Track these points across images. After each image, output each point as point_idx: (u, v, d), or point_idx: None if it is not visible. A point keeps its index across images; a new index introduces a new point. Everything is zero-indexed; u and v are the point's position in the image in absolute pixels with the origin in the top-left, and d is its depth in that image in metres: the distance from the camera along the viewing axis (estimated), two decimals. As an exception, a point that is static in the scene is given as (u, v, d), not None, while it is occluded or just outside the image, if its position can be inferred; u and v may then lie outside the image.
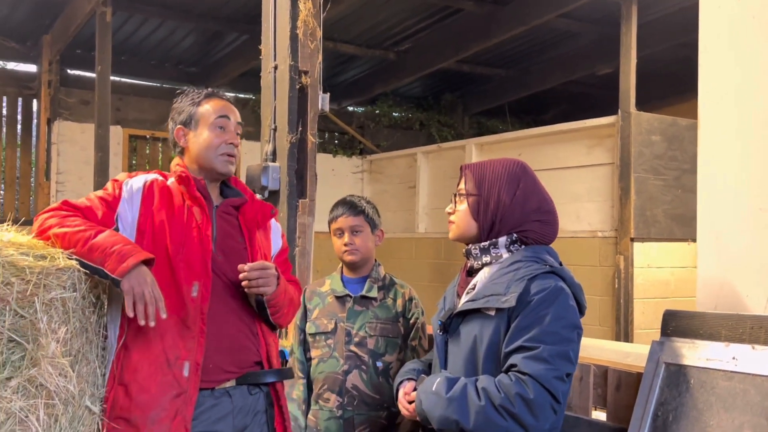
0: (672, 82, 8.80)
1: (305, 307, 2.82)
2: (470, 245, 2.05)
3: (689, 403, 1.92)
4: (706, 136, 2.28)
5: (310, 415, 2.73)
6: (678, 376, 1.98)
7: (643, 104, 6.53)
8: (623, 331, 6.04)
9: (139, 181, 2.29)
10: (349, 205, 2.77)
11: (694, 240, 6.10)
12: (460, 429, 1.84)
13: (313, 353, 2.75)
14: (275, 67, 3.81)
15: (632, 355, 3.31)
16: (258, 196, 3.71)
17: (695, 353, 1.97)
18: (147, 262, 2.06)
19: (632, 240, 6.07)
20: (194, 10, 7.51)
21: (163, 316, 2.03)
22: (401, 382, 2.15)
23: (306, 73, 3.76)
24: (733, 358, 1.89)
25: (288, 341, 3.24)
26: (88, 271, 2.04)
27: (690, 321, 2.03)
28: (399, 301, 2.75)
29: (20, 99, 8.36)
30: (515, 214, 1.99)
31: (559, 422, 1.90)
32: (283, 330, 3.48)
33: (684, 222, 6.25)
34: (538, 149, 7.02)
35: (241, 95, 9.62)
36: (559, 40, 8.51)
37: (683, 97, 9.05)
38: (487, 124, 10.83)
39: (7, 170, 8.29)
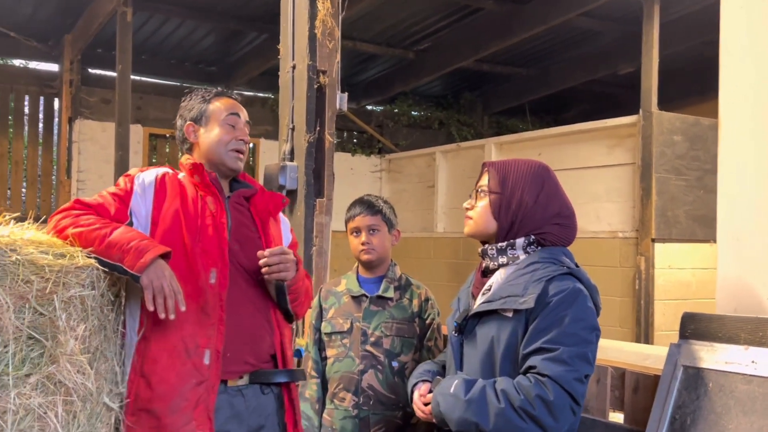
0: (694, 81, 8.71)
1: (321, 306, 2.82)
2: (486, 245, 2.04)
3: (707, 407, 1.90)
4: (726, 137, 2.25)
5: (325, 415, 2.73)
6: (696, 379, 1.96)
7: (664, 104, 6.47)
8: (643, 333, 5.99)
9: (150, 174, 2.31)
10: (366, 205, 2.77)
11: (716, 241, 6.02)
12: (479, 431, 1.83)
13: (329, 352, 2.74)
14: (293, 67, 3.82)
15: (652, 357, 3.28)
16: (284, 196, 3.74)
17: (714, 356, 1.95)
18: (164, 256, 2.08)
19: (653, 241, 6.02)
20: (214, 10, 7.55)
21: (182, 308, 2.05)
22: (416, 384, 2.14)
23: (324, 72, 3.77)
24: (753, 362, 1.87)
25: (304, 340, 3.24)
26: (106, 269, 2.06)
27: (709, 324, 2.01)
28: (415, 302, 2.74)
29: (42, 98, 8.45)
30: (536, 216, 1.98)
31: (576, 424, 1.88)
32: (299, 328, 3.49)
33: (706, 223, 6.19)
34: (559, 149, 6.98)
35: (261, 94, 9.67)
36: (580, 39, 8.45)
37: (706, 96, 8.94)
38: (507, 123, 10.78)
39: (29, 168, 8.37)
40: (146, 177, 2.30)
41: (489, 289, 1.97)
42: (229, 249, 2.22)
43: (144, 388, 2.12)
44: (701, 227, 6.21)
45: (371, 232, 2.74)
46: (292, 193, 3.75)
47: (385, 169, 9.62)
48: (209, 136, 2.34)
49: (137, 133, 8.37)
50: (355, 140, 10.07)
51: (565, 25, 7.49)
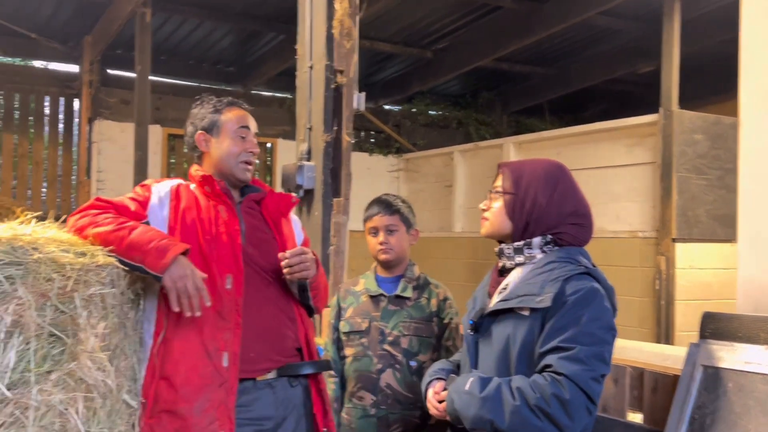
0: (714, 79, 8.62)
1: (339, 305, 2.84)
2: (503, 245, 2.04)
3: (727, 407, 1.89)
4: (747, 136, 2.23)
5: (343, 413, 2.74)
6: (716, 379, 1.95)
7: (684, 102, 6.41)
8: (664, 333, 5.94)
9: (166, 185, 2.38)
10: (384, 204, 2.77)
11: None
12: (494, 429, 1.83)
13: (347, 351, 2.75)
14: (311, 67, 3.83)
15: (672, 357, 3.25)
16: (293, 195, 3.77)
17: (734, 356, 1.93)
18: (184, 253, 2.12)
19: (674, 241, 5.97)
20: (232, 10, 7.58)
21: (207, 304, 2.10)
22: (430, 382, 2.14)
23: (341, 72, 3.78)
24: (773, 362, 1.85)
25: (322, 339, 3.25)
26: (128, 268, 2.09)
27: (728, 323, 2.00)
28: (433, 301, 2.74)
29: (62, 98, 8.53)
30: (551, 215, 1.97)
31: (591, 424, 1.88)
32: (317, 328, 3.51)
33: (727, 222, 6.13)
34: (578, 148, 6.94)
35: (279, 94, 9.70)
36: (599, 38, 8.40)
37: (726, 95, 8.84)
38: (526, 122, 10.73)
39: (50, 168, 8.46)
40: (162, 187, 2.36)
41: (505, 288, 1.97)
42: (245, 253, 2.27)
43: (166, 389, 2.14)
44: (722, 227, 6.15)
45: (389, 232, 2.74)
46: (309, 193, 3.77)
47: (403, 168, 9.62)
48: (220, 147, 2.39)
49: (156, 134, 8.43)
50: (372, 140, 10.07)
51: (584, 23, 7.44)
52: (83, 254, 2.02)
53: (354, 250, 4.28)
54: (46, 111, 8.50)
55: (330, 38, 3.74)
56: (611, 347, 1.85)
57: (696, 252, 6.08)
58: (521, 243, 1.99)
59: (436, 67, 9.00)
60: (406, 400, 2.64)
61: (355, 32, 3.81)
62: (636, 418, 2.22)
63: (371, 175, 9.22)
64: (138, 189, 2.37)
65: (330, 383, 2.77)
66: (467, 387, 1.89)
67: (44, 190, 8.48)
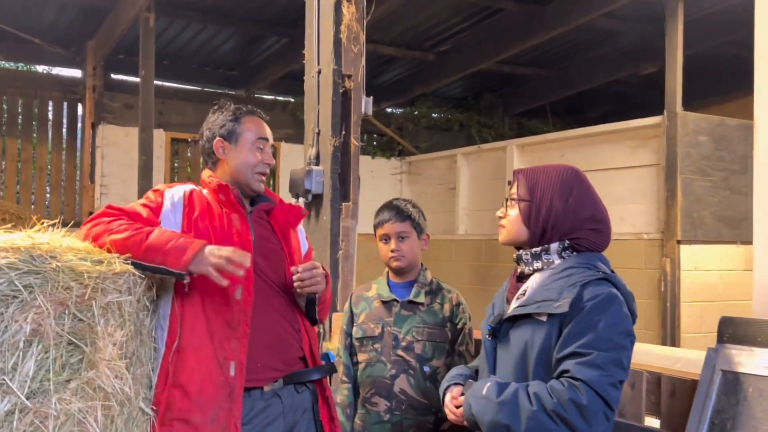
0: (717, 81, 8.64)
1: (351, 311, 2.83)
2: (521, 251, 2.04)
3: (747, 412, 1.89)
4: (762, 138, 2.23)
5: (356, 419, 2.73)
6: (735, 383, 1.95)
7: (686, 104, 6.42)
8: (669, 335, 5.94)
9: (179, 191, 2.38)
10: (395, 211, 2.75)
11: (743, 242, 5.90)
12: None
13: (360, 357, 2.75)
14: (319, 72, 3.83)
15: (682, 360, 3.25)
16: (301, 200, 3.77)
17: (753, 361, 1.93)
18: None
19: (679, 242, 5.97)
20: (235, 15, 7.59)
21: (247, 263, 2.12)
22: (448, 387, 2.14)
23: (349, 77, 3.77)
24: (793, 367, 1.85)
25: (333, 344, 3.25)
26: (148, 272, 2.11)
27: (747, 328, 2.00)
28: (446, 306, 2.73)
29: (65, 103, 8.54)
30: (567, 221, 1.97)
31: (610, 429, 1.87)
32: (327, 333, 3.51)
33: (732, 224, 6.13)
34: (581, 150, 6.94)
35: (281, 98, 9.70)
36: (601, 40, 8.41)
37: (728, 96, 8.88)
38: (528, 124, 10.75)
39: (53, 173, 8.46)
40: (175, 193, 2.37)
41: (524, 294, 1.97)
42: (255, 263, 2.29)
43: (180, 397, 2.15)
44: (727, 228, 6.16)
45: (400, 238, 2.73)
46: (318, 198, 3.76)
47: (405, 171, 9.62)
48: (238, 157, 2.40)
49: (159, 138, 8.43)
50: (375, 143, 10.08)
51: (586, 25, 7.44)
52: (100, 262, 2.02)
53: (358, 253, 4.28)
54: (50, 116, 8.52)
55: (338, 43, 3.74)
56: (629, 353, 1.85)
57: (701, 253, 6.08)
58: (539, 249, 1.99)
59: (438, 70, 9.01)
60: (420, 406, 2.64)
61: (363, 37, 3.81)
62: (652, 422, 2.22)
63: (374, 178, 9.23)
64: (150, 194, 2.37)
65: (342, 389, 2.77)
66: (484, 392, 1.89)
67: (48, 195, 8.48)
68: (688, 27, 6.59)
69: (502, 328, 2.00)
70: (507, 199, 2.09)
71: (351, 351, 2.80)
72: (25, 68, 9.03)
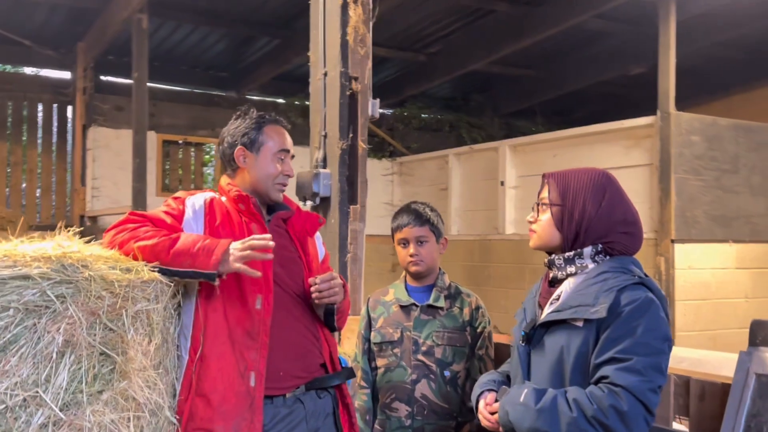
0: (706, 81, 8.71)
1: (369, 316, 2.82)
2: (553, 255, 2.03)
3: (782, 415, 1.90)
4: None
5: (376, 425, 2.72)
6: (769, 386, 1.96)
7: (677, 104, 6.45)
8: (665, 334, 5.98)
9: (199, 199, 2.37)
10: (414, 215, 2.74)
11: (735, 241, 5.94)
12: None
13: (379, 362, 2.74)
14: (325, 74, 3.81)
15: (686, 360, 3.27)
16: (308, 203, 3.75)
17: (786, 363, 1.95)
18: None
19: (673, 242, 6.01)
20: (226, 16, 7.54)
21: (271, 243, 2.14)
22: (481, 393, 2.13)
23: (356, 79, 3.76)
24: (827, 369, 1.87)
25: (342, 348, 3.24)
26: (177, 277, 2.10)
27: (778, 331, 2.01)
28: (466, 310, 2.73)
29: (55, 105, 8.45)
30: (600, 225, 1.97)
31: (646, 432, 1.88)
32: (339, 338, 3.50)
33: (724, 223, 6.19)
34: (574, 150, 6.97)
35: (270, 99, 9.66)
36: (590, 40, 8.44)
37: (716, 95, 8.96)
38: (517, 125, 10.77)
39: (44, 176, 8.36)
40: (196, 201, 2.36)
41: (557, 299, 1.96)
42: (274, 273, 2.28)
43: (203, 407, 2.14)
44: (720, 227, 6.21)
45: (419, 243, 2.73)
46: (325, 201, 3.75)
47: (397, 172, 9.60)
48: (259, 167, 2.39)
49: (151, 140, 8.32)
50: (366, 144, 10.04)
51: (576, 26, 7.46)
52: (129, 270, 2.00)
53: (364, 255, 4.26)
54: (40, 118, 8.41)
55: (345, 45, 3.72)
56: (667, 357, 1.85)
57: (694, 252, 6.13)
58: (572, 253, 1.99)
59: (429, 71, 9.01)
60: (441, 411, 2.63)
61: (369, 39, 3.81)
62: (679, 426, 2.23)
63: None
64: (171, 202, 2.36)
65: (361, 394, 2.76)
66: (522, 399, 1.88)
67: (38, 198, 8.38)
68: (679, 27, 6.63)
69: (535, 333, 1.99)
70: (537, 204, 2.08)
71: (369, 356, 2.79)
72: (13, 70, 8.92)
